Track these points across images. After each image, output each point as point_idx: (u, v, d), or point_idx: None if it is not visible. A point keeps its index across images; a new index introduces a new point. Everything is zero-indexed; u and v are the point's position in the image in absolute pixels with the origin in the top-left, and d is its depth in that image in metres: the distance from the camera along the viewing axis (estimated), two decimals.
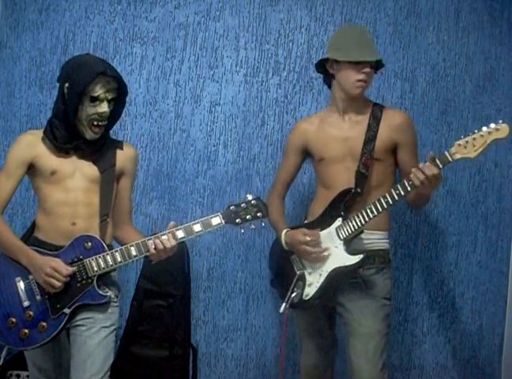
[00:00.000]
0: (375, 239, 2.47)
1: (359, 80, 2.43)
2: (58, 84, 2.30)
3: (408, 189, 2.25)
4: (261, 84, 3.18)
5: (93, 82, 2.19)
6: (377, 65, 2.51)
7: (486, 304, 3.12)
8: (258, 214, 2.25)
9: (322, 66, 2.55)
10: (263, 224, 2.31)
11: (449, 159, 2.18)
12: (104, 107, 2.23)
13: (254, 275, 3.15)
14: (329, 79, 2.56)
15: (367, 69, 2.42)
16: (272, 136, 3.17)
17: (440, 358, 3.13)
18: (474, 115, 3.12)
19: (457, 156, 2.17)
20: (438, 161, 2.19)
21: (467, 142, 2.15)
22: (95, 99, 2.22)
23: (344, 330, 2.51)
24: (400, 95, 3.13)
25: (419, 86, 3.13)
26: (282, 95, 3.17)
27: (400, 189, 2.26)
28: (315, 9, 3.16)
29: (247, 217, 2.25)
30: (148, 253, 2.22)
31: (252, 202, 2.26)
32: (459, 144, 2.17)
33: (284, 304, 2.50)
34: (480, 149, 2.15)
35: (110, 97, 2.25)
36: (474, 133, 2.16)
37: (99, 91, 2.21)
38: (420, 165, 2.22)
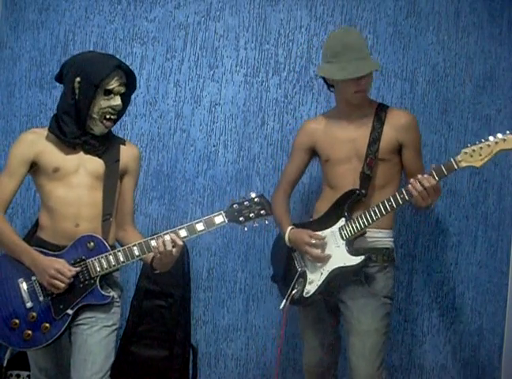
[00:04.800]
0: (379, 238, 2.49)
1: (358, 91, 2.45)
2: (58, 84, 2.30)
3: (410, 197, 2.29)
4: (261, 84, 3.18)
5: (110, 75, 2.21)
6: None
7: (486, 304, 3.11)
8: (262, 212, 2.23)
9: None
10: (266, 222, 2.28)
11: (455, 166, 2.22)
12: (118, 100, 2.25)
13: (254, 275, 3.15)
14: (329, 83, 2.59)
15: (365, 80, 2.43)
16: (272, 136, 3.17)
17: (440, 358, 3.12)
18: (474, 115, 3.12)
19: (463, 164, 2.21)
20: (443, 167, 2.23)
21: (473, 151, 2.19)
22: (109, 93, 2.24)
23: (344, 327, 2.52)
24: (400, 95, 3.12)
25: (419, 86, 3.13)
26: (282, 95, 3.17)
27: (404, 193, 2.30)
28: (315, 9, 3.16)
29: (250, 215, 2.22)
30: (151, 254, 2.22)
31: (255, 200, 2.23)
32: (465, 153, 2.20)
33: (284, 301, 2.53)
34: (486, 159, 2.18)
35: (122, 91, 2.28)
36: (481, 142, 2.19)
37: (114, 84, 2.23)
38: (419, 176, 2.25)
